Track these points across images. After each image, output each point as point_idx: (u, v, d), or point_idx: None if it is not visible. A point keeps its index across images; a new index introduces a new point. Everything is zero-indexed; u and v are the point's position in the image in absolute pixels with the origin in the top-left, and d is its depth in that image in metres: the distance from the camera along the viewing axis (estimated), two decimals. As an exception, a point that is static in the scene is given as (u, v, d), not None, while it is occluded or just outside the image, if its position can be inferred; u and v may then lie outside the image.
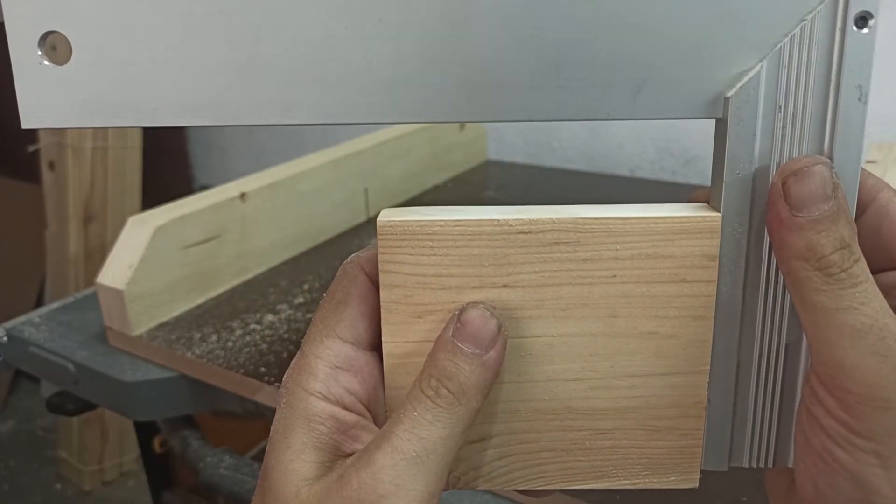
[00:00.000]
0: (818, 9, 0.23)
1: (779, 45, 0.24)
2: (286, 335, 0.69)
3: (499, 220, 0.25)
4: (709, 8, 0.23)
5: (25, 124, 0.25)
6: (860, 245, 0.23)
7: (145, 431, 0.82)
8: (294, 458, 0.25)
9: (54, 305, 0.79)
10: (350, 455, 0.25)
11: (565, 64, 0.24)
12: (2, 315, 0.80)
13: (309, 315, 0.72)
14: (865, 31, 0.23)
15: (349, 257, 0.28)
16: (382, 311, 0.26)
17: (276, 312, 0.73)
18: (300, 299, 0.76)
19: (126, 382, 0.65)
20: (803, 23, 0.23)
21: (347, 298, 0.27)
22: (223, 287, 0.78)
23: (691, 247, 0.25)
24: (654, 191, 1.07)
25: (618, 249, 0.25)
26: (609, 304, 0.26)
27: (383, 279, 0.26)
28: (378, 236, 0.25)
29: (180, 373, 0.66)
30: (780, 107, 0.24)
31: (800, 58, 0.24)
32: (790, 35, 0.23)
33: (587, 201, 0.26)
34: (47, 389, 1.54)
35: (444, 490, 0.26)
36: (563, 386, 0.27)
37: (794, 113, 0.24)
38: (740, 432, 0.27)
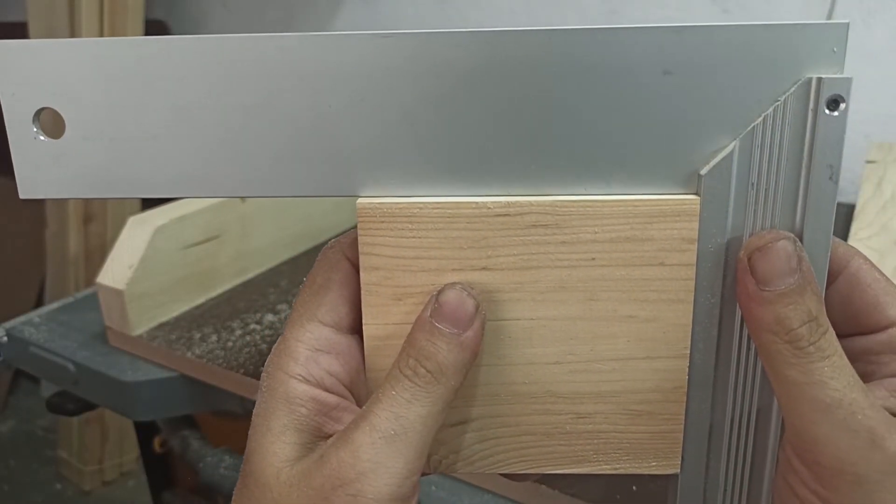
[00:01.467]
0: (791, 91, 0.24)
1: (752, 125, 0.24)
2: (286, 335, 0.69)
3: (477, 203, 0.25)
4: (683, 90, 0.24)
5: (23, 195, 0.26)
6: (832, 312, 0.24)
7: (145, 431, 0.82)
8: (275, 441, 0.25)
9: (54, 305, 0.79)
10: (331, 436, 0.25)
11: (542, 145, 0.25)
12: (2, 315, 0.80)
13: (309, 315, 0.72)
14: (836, 113, 0.24)
15: (329, 242, 0.28)
16: (363, 293, 0.26)
17: (276, 312, 0.73)
18: (300, 299, 0.76)
19: (126, 382, 0.65)
20: (776, 104, 0.24)
21: (328, 283, 0.27)
22: (223, 287, 0.78)
23: (670, 230, 0.25)
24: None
25: (596, 232, 0.25)
26: (588, 287, 0.26)
27: (363, 261, 0.26)
28: (358, 218, 0.25)
29: (180, 373, 0.66)
30: (752, 184, 0.25)
31: (772, 137, 0.24)
32: (763, 115, 0.24)
33: None
34: (47, 389, 1.54)
35: (426, 474, 0.27)
36: (543, 369, 0.27)
37: (766, 190, 0.25)
38: (713, 494, 0.28)
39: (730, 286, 0.26)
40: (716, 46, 0.24)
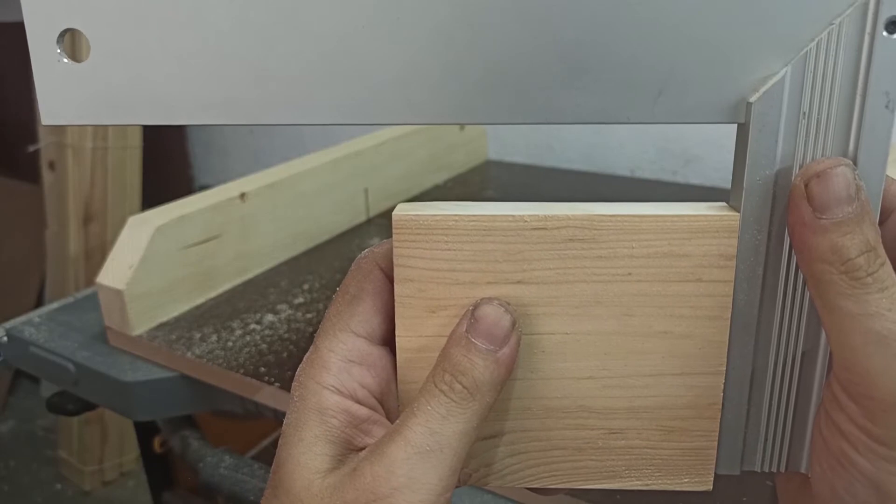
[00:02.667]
0: (847, 13, 0.23)
1: (805, 50, 0.23)
2: (286, 335, 0.69)
3: (514, 216, 0.25)
4: (733, 11, 0.23)
5: (45, 121, 0.25)
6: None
7: (145, 431, 0.81)
8: (306, 451, 0.25)
9: (54, 305, 0.79)
10: (362, 449, 0.25)
11: (585, 66, 0.24)
12: (2, 315, 0.80)
13: (309, 315, 0.72)
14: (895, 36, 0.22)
15: (363, 252, 0.28)
16: (396, 305, 0.26)
17: (276, 312, 0.73)
18: (300, 299, 0.76)
19: (126, 382, 0.65)
20: (831, 27, 0.23)
21: (361, 294, 0.26)
22: (223, 287, 0.78)
23: (708, 246, 0.25)
24: (654, 191, 1.07)
25: (633, 247, 0.25)
26: (623, 302, 0.25)
27: (398, 273, 0.25)
28: (394, 230, 0.25)
29: (180, 373, 0.66)
30: (804, 112, 0.23)
31: (826, 63, 0.23)
32: (817, 39, 0.23)
33: (589, 202, 0.26)
34: (47, 389, 1.54)
35: (457, 486, 0.26)
36: (576, 384, 0.26)
37: (818, 118, 0.23)
38: (753, 436, 0.27)
39: (778, 220, 0.25)
40: None
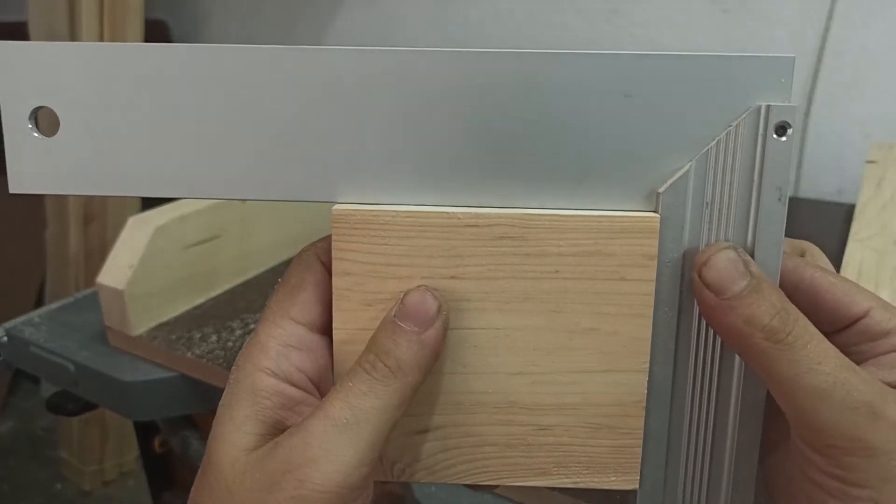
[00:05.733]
0: (742, 117, 0.25)
1: (706, 148, 0.26)
2: (286, 335, 0.69)
3: (448, 213, 0.26)
4: (643, 112, 0.26)
5: (13, 189, 0.27)
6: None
7: (145, 431, 0.82)
8: (235, 430, 0.25)
9: (54, 305, 0.79)
10: None
11: (510, 160, 0.26)
12: (2, 315, 0.80)
13: (309, 315, 0.72)
14: (784, 139, 0.25)
15: (306, 246, 0.28)
16: (334, 297, 0.27)
17: (276, 312, 0.73)
18: (300, 299, 0.76)
19: (126, 382, 0.66)
20: (729, 129, 0.25)
21: (302, 283, 0.27)
22: (223, 287, 0.78)
23: (631, 245, 0.26)
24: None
25: (560, 245, 0.26)
26: (551, 298, 0.27)
27: (336, 266, 0.26)
28: (332, 224, 0.26)
29: (180, 373, 0.66)
30: (707, 203, 0.26)
31: (725, 160, 0.26)
32: (717, 139, 0.26)
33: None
34: (47, 389, 1.54)
35: (387, 481, 0.27)
36: (506, 379, 0.27)
37: (719, 209, 0.26)
38: (672, 495, 0.29)
39: (686, 300, 0.27)
40: (674, 73, 0.25)
